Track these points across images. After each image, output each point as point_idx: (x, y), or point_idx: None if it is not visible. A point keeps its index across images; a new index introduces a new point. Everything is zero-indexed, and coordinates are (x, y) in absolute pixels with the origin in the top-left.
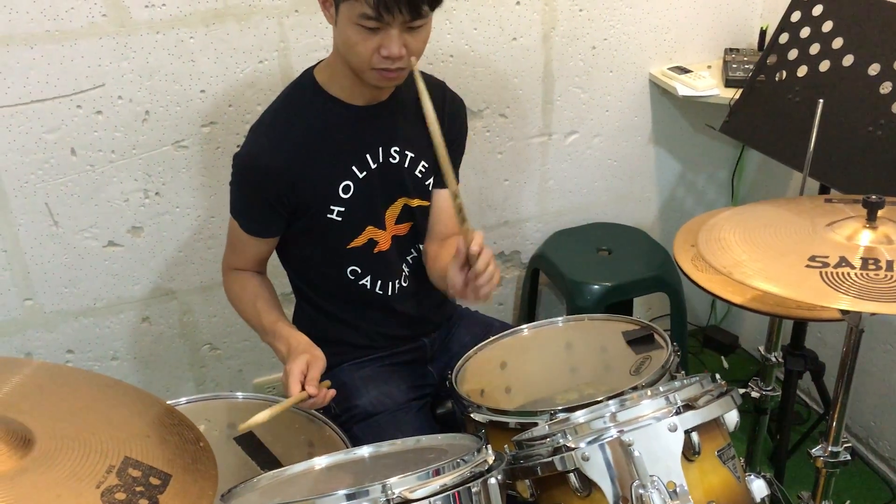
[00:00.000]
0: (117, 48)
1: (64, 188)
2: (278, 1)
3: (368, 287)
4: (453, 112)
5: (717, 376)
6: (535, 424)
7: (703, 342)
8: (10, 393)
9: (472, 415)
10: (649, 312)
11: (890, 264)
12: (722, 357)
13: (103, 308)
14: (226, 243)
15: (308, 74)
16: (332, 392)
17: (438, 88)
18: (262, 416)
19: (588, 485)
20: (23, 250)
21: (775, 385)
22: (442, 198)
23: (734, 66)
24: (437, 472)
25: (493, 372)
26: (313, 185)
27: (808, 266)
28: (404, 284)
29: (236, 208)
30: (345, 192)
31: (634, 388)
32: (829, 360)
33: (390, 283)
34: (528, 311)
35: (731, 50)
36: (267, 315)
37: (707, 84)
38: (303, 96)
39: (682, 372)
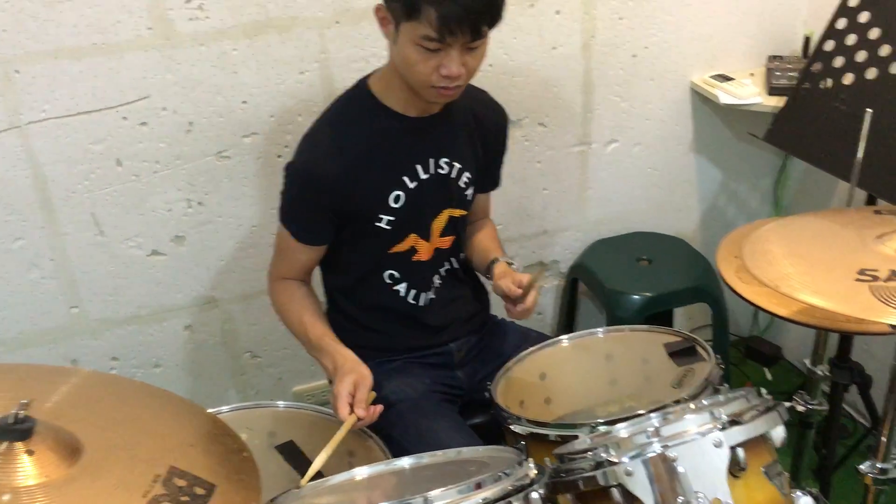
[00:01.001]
0: (162, 60)
1: (109, 198)
2: (319, 13)
3: (402, 294)
4: (492, 119)
5: (763, 391)
6: (576, 437)
7: (746, 353)
8: (60, 402)
9: (511, 426)
10: (690, 322)
11: None
12: (765, 368)
13: (147, 316)
14: (273, 252)
15: (363, 85)
16: (380, 408)
17: (483, 99)
18: (320, 459)
19: (631, 500)
20: (69, 259)
21: (821, 399)
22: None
23: (777, 73)
24: (479, 486)
25: (532, 383)
26: (365, 194)
27: (857, 280)
28: (433, 297)
29: (288, 217)
30: (395, 202)
31: (677, 402)
32: (876, 372)
33: (422, 294)
34: (567, 320)
35: (774, 57)
36: (313, 328)
37: (750, 92)
38: (358, 106)
39: (726, 385)
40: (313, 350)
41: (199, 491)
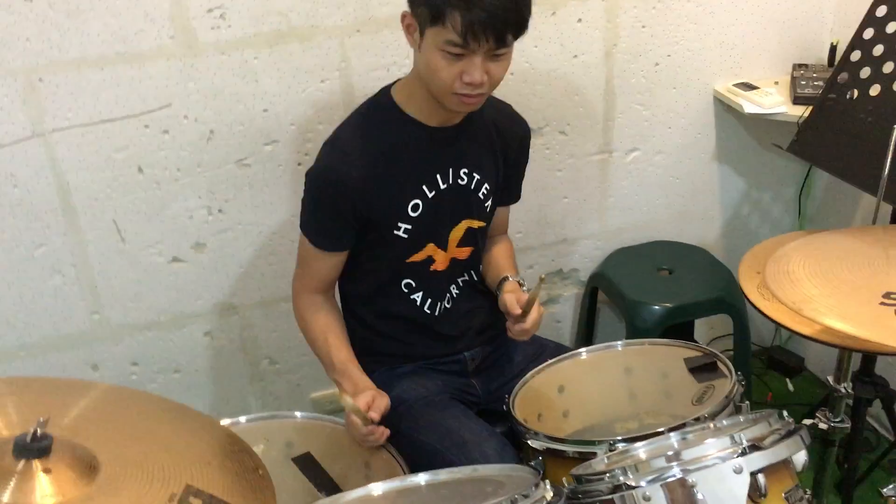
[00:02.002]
0: (184, 69)
1: (131, 205)
2: (340, 22)
3: (418, 304)
4: (513, 131)
5: (785, 413)
6: (594, 454)
7: (768, 364)
8: (78, 417)
9: (529, 441)
10: (711, 332)
11: None
12: (787, 379)
13: (167, 322)
14: (298, 261)
15: (385, 93)
16: (388, 432)
17: (506, 111)
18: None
19: None
20: (91, 265)
21: (844, 416)
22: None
23: (803, 82)
24: None
25: (550, 396)
26: (385, 203)
27: (882, 303)
28: (448, 306)
29: (308, 224)
30: (414, 211)
31: (697, 419)
32: None
33: (438, 304)
34: (587, 330)
35: (799, 66)
36: (338, 352)
37: (774, 101)
38: (380, 114)
39: (747, 402)
40: (334, 373)
41: None
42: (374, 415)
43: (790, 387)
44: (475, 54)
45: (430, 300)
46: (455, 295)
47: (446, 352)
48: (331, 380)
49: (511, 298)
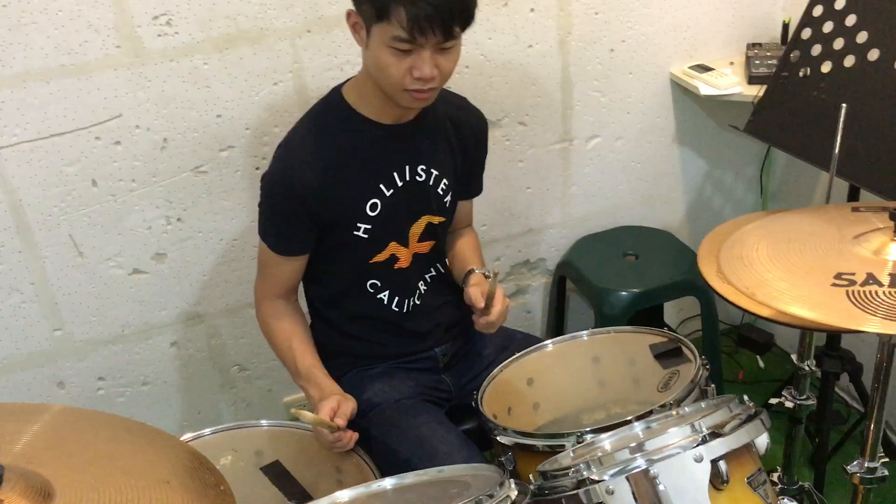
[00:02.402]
0: (132, 78)
1: (87, 219)
2: (290, 22)
3: (385, 302)
4: (470, 124)
5: (746, 398)
6: (563, 447)
7: (738, 341)
8: (30, 443)
9: (498, 437)
10: (681, 314)
11: None
12: (757, 356)
13: (132, 335)
14: (258, 269)
15: (336, 93)
16: (356, 435)
17: (461, 105)
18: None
19: None
20: (49, 282)
21: (809, 394)
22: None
23: (757, 61)
24: None
25: (520, 389)
26: (342, 204)
27: (834, 284)
28: (417, 302)
29: (265, 229)
30: (372, 210)
31: (662, 406)
32: (867, 359)
33: (406, 301)
34: (556, 319)
35: (753, 45)
36: (303, 358)
37: (729, 82)
38: (332, 115)
39: (713, 386)
40: (299, 378)
41: None
42: (340, 421)
43: (761, 364)
44: (423, 48)
45: (397, 298)
46: (423, 291)
47: (417, 349)
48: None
49: (475, 292)
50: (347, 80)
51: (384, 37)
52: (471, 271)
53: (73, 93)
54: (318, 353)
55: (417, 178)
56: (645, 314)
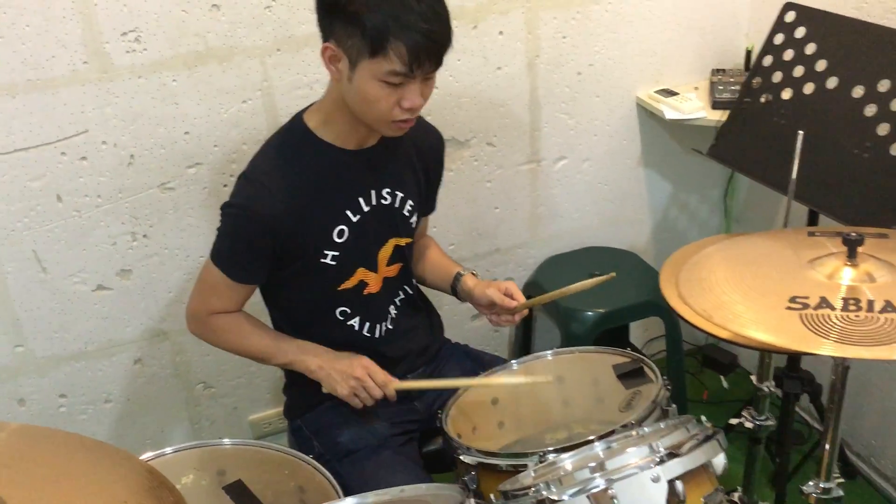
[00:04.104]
0: (100, 94)
1: (51, 234)
2: (260, 41)
3: (357, 328)
4: (430, 143)
5: (704, 418)
6: (526, 466)
7: (703, 362)
8: None
9: (461, 457)
10: (646, 334)
11: (871, 304)
12: (721, 377)
13: (95, 351)
14: (197, 289)
15: (298, 120)
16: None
17: (419, 125)
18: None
19: None
20: (11, 298)
21: (769, 414)
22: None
23: (720, 87)
24: None
25: (484, 408)
26: (309, 232)
27: (788, 308)
28: (390, 327)
29: (223, 256)
30: (339, 237)
31: (624, 426)
32: (827, 380)
33: (377, 326)
34: (524, 338)
35: (717, 71)
36: (278, 339)
37: (693, 107)
38: (296, 142)
39: (674, 406)
40: (286, 355)
41: None
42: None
43: (725, 384)
44: (414, 80)
45: (368, 324)
46: (394, 315)
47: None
48: (268, 400)
49: (496, 293)
50: (307, 106)
51: (377, 71)
52: (459, 274)
53: (39, 108)
54: (287, 382)
55: (383, 201)
56: (611, 334)
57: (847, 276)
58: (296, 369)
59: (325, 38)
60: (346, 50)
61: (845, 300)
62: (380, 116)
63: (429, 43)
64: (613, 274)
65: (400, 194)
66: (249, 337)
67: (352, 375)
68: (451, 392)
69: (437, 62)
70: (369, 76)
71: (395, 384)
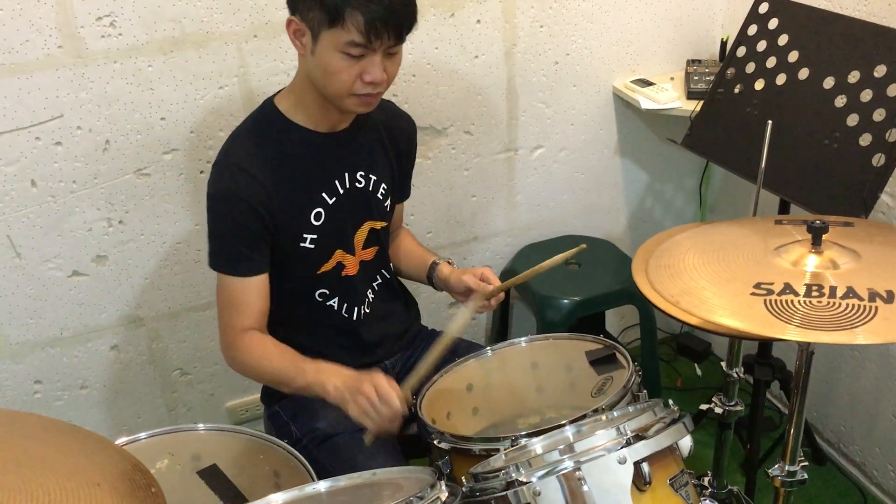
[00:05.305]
0: (74, 79)
1: (25, 220)
2: (237, 27)
3: (336, 309)
4: (401, 127)
5: (671, 402)
6: (498, 450)
7: (677, 350)
8: None
9: (435, 442)
10: (622, 322)
11: (833, 291)
12: (695, 364)
13: (70, 338)
14: (221, 312)
15: (269, 104)
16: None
17: (391, 110)
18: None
19: None
20: None
21: (739, 400)
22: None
23: (695, 77)
24: None
25: (459, 394)
26: (288, 215)
27: (752, 294)
28: (368, 311)
29: (220, 255)
30: (316, 220)
31: (595, 411)
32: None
33: (356, 308)
34: (501, 326)
35: (692, 61)
36: (297, 358)
37: (669, 97)
38: (268, 127)
39: (644, 391)
40: (304, 376)
41: None
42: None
43: (698, 371)
44: (375, 53)
45: (346, 304)
46: (372, 299)
47: (368, 361)
48: (245, 386)
49: (472, 279)
50: (279, 91)
51: (336, 42)
52: (435, 263)
53: (13, 92)
54: None
55: (357, 184)
56: (586, 322)
57: (811, 263)
58: (315, 393)
59: (291, 13)
60: (307, 22)
61: (808, 286)
62: (341, 89)
63: (386, 13)
64: (584, 245)
65: (373, 177)
66: (273, 358)
67: (358, 391)
68: (427, 378)
69: (398, 36)
70: (330, 48)
71: (399, 393)
